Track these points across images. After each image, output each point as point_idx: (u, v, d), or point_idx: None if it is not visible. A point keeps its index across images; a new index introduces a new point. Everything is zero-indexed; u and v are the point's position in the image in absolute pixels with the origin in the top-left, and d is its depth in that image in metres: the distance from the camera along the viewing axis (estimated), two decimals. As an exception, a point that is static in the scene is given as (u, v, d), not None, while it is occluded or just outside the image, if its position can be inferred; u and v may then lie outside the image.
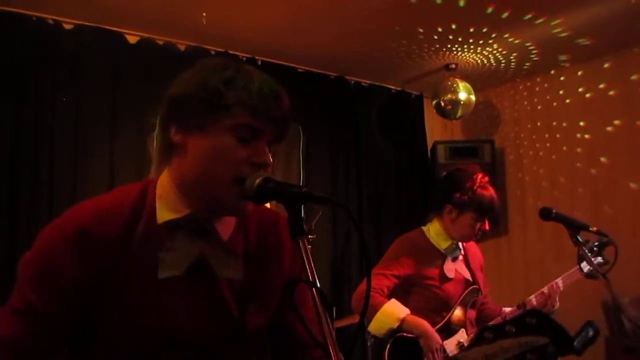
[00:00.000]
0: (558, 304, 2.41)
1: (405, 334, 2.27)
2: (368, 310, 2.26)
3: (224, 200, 1.06)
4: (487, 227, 2.40)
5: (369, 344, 3.11)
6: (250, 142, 1.06)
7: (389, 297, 2.33)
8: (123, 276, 1.04)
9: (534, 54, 4.10)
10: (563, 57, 4.20)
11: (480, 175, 2.39)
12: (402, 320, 2.24)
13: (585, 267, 2.23)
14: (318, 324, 0.91)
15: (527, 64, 4.31)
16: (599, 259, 2.28)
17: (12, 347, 1.02)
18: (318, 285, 0.93)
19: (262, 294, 1.18)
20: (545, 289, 2.43)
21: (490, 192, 2.37)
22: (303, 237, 0.95)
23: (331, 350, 0.89)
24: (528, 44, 3.92)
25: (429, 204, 2.59)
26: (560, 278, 2.45)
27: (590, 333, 1.04)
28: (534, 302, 2.40)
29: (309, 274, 0.93)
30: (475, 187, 2.35)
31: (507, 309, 2.47)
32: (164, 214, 1.09)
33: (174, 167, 1.11)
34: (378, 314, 2.26)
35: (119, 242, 1.05)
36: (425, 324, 2.25)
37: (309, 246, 0.97)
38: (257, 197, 1.03)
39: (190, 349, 1.09)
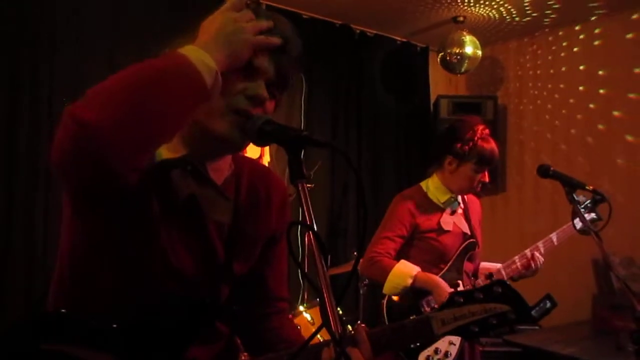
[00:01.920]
0: (541, 261, 2.45)
1: None
2: (380, 274, 2.36)
3: (221, 130, 1.06)
4: (486, 179, 2.41)
5: (361, 292, 3.18)
6: (247, 77, 1.07)
7: (396, 259, 2.38)
8: (135, 196, 1.05)
9: (549, 7, 4.00)
10: (571, 12, 4.11)
11: (481, 127, 2.39)
12: (414, 278, 2.29)
13: (579, 223, 2.26)
14: (316, 267, 0.92)
15: (534, 18, 4.22)
16: (593, 214, 2.31)
17: None
18: (315, 228, 0.94)
19: (246, 242, 1.22)
20: (527, 252, 2.47)
21: (491, 144, 2.39)
22: (302, 181, 0.95)
23: (325, 293, 0.90)
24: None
25: (429, 157, 2.59)
26: (554, 233, 2.49)
27: (548, 304, 1.14)
28: (518, 264, 2.45)
29: (307, 217, 0.94)
30: (475, 138, 2.36)
31: (487, 264, 2.55)
32: (161, 152, 1.10)
33: None
34: (390, 276, 2.31)
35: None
36: (436, 278, 2.30)
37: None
38: (258, 139, 1.04)
39: (182, 283, 1.12)
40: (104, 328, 1.07)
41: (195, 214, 1.13)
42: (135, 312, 1.08)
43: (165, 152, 1.10)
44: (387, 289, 2.35)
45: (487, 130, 2.41)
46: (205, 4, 1.10)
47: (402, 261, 2.35)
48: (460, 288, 2.38)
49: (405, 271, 2.31)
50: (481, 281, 2.42)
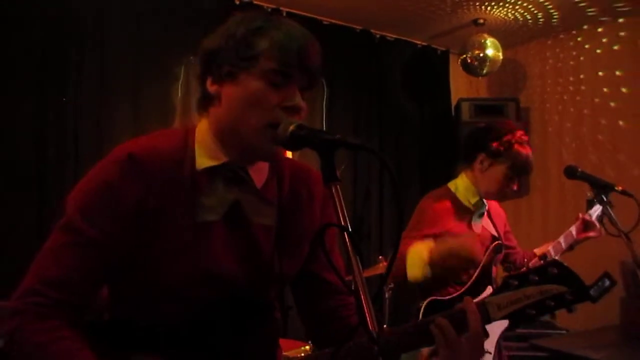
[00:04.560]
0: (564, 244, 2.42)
1: (439, 298, 2.24)
2: (400, 265, 2.20)
3: (257, 145, 1.08)
4: (516, 187, 2.33)
5: (387, 296, 3.18)
6: (281, 86, 1.08)
7: None
8: (167, 215, 1.08)
9: (572, 8, 3.97)
10: (593, 13, 4.06)
11: (521, 132, 2.31)
12: (430, 250, 2.15)
13: (595, 212, 2.25)
14: (350, 267, 0.93)
15: (556, 20, 4.19)
16: (609, 208, 2.28)
17: (66, 285, 1.02)
18: (350, 229, 0.95)
19: (293, 242, 1.23)
20: (561, 239, 2.43)
21: (528, 151, 2.29)
22: (336, 183, 0.96)
23: (361, 293, 0.91)
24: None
25: (462, 153, 2.51)
26: (574, 225, 2.44)
27: (607, 283, 1.12)
28: (551, 252, 2.40)
29: (341, 219, 0.95)
30: (513, 140, 2.28)
31: (537, 250, 2.49)
32: (202, 161, 1.12)
33: (211, 117, 1.14)
34: (408, 259, 2.18)
35: (168, 181, 1.08)
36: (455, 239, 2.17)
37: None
38: (290, 144, 1.05)
39: (227, 289, 1.13)
40: (152, 332, 1.10)
41: (241, 219, 1.14)
42: (184, 316, 1.10)
43: (206, 160, 1.12)
44: (410, 272, 2.19)
45: (526, 137, 2.32)
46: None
47: (415, 242, 2.21)
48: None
49: (420, 249, 2.17)
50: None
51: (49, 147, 3.15)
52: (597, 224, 2.38)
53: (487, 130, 2.36)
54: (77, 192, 1.09)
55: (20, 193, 3.05)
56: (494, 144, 2.29)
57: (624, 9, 3.94)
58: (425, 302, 2.28)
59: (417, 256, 2.19)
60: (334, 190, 0.96)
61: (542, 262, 2.20)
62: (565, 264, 1.11)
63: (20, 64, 3.09)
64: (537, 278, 1.11)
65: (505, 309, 1.12)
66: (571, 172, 2.15)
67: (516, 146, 2.27)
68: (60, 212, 1.09)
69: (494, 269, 2.39)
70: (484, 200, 2.42)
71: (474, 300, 1.17)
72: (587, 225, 2.41)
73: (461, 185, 2.39)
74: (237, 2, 3.80)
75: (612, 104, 4.17)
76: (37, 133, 3.13)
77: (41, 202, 3.09)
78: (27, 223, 3.04)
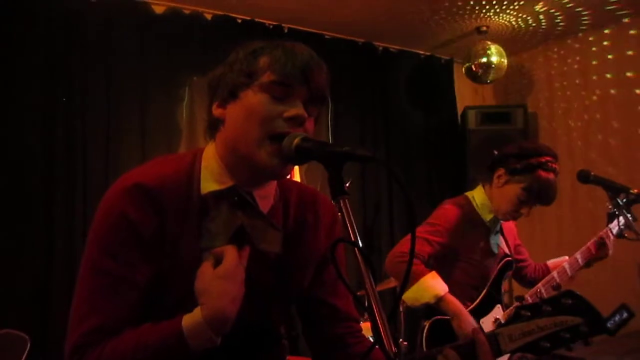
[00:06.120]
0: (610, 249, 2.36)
1: (443, 317, 2.19)
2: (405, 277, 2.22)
3: (259, 159, 1.05)
4: (526, 212, 2.25)
5: (401, 309, 3.12)
6: (283, 99, 1.07)
7: (427, 264, 2.23)
8: (179, 242, 1.07)
9: (575, 13, 3.94)
10: (587, 20, 4.04)
11: (549, 159, 2.20)
12: (440, 299, 2.13)
13: (615, 228, 2.20)
14: (363, 282, 0.90)
15: (561, 24, 4.17)
16: (628, 215, 2.22)
17: (108, 328, 1.01)
18: (360, 245, 0.92)
19: (298, 267, 1.21)
20: (578, 255, 2.37)
21: (550, 177, 2.19)
22: (344, 197, 0.93)
23: (375, 310, 0.88)
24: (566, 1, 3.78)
25: (469, 162, 2.45)
26: (592, 241, 2.38)
27: (625, 315, 1.08)
28: (567, 268, 2.34)
29: (351, 234, 0.92)
30: (536, 164, 2.17)
31: (550, 262, 2.43)
32: (207, 185, 1.10)
33: (217, 141, 1.14)
34: (416, 286, 2.14)
35: (178, 209, 1.07)
36: (460, 305, 2.14)
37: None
38: (297, 158, 1.03)
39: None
40: None
41: (245, 244, 1.11)
42: None
43: (211, 184, 1.10)
44: (408, 297, 2.18)
45: (554, 165, 2.22)
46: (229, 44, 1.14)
47: (433, 273, 2.18)
48: (501, 314, 2.29)
49: (433, 287, 2.14)
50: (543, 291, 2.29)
51: (56, 167, 3.16)
52: (610, 248, 2.33)
53: (515, 147, 2.28)
54: (94, 229, 1.07)
55: (28, 216, 3.05)
56: (515, 162, 2.21)
57: (625, 11, 3.91)
58: (430, 321, 2.24)
59: (431, 291, 2.15)
60: (342, 205, 0.93)
61: (555, 291, 2.15)
62: (580, 294, 1.08)
63: (25, 88, 3.11)
64: (550, 309, 1.07)
65: (517, 340, 1.08)
66: (584, 177, 2.11)
67: (539, 171, 2.18)
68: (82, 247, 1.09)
69: (503, 285, 2.34)
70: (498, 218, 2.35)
71: (482, 320, 1.14)
72: (601, 245, 2.35)
73: (478, 199, 2.33)
74: (239, 21, 3.82)
75: (623, 108, 4.12)
76: (44, 153, 3.14)
77: (49, 226, 3.10)
78: (35, 247, 3.04)
